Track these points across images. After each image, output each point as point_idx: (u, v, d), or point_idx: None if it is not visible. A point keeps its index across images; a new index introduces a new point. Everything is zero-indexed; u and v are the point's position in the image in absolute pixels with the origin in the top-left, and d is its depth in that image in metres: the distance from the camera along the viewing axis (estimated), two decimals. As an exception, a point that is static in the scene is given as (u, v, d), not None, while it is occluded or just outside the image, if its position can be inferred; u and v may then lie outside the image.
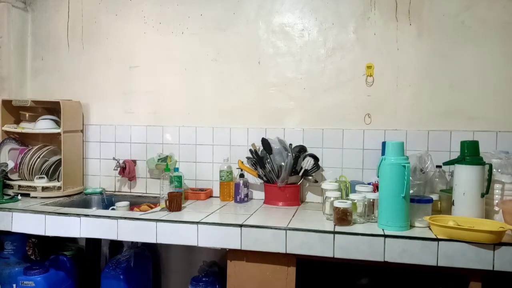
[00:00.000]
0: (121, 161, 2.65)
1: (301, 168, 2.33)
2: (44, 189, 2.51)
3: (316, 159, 2.33)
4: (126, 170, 2.64)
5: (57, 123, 2.62)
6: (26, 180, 2.59)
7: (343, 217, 1.80)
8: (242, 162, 2.45)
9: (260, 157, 2.37)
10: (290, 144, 2.41)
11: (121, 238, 1.97)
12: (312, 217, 2.02)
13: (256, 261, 1.82)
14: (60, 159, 2.57)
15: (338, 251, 1.68)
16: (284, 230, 1.75)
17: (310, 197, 2.46)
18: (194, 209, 2.21)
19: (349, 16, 2.38)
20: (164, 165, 2.38)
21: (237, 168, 2.45)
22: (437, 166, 2.12)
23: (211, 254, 2.49)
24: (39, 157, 2.59)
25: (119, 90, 2.74)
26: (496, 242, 1.53)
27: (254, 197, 2.53)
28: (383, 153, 1.96)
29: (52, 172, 2.61)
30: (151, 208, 2.29)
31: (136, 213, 2.10)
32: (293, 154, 2.31)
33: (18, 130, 2.65)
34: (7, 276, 2.38)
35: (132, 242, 2.54)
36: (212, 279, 2.28)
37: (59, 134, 2.55)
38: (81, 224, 2.02)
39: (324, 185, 2.13)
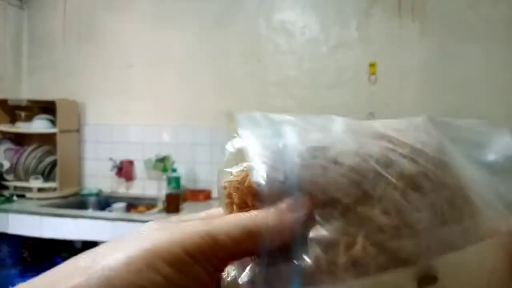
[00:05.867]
0: (118, 162, 2.61)
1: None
2: (40, 190, 2.48)
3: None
4: (123, 170, 2.61)
5: (53, 123, 2.58)
6: (22, 181, 2.56)
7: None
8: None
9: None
10: (291, 144, 2.37)
11: (117, 240, 1.94)
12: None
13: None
14: (56, 159, 2.54)
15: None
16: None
17: (311, 198, 2.43)
18: (192, 210, 2.17)
19: (351, 13, 2.35)
20: (162, 166, 2.35)
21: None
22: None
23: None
24: (35, 157, 2.56)
25: (116, 89, 2.70)
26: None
27: (254, 198, 2.50)
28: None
29: (48, 173, 2.57)
30: (149, 209, 2.26)
31: (133, 215, 2.07)
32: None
33: (14, 129, 2.62)
34: (3, 278, 2.36)
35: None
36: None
37: (55, 134, 2.51)
38: (78, 226, 1.99)
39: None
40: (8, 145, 2.68)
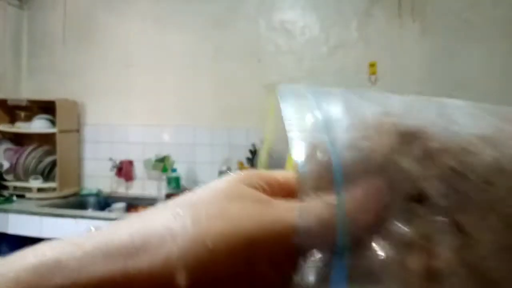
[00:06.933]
0: (117, 162, 2.61)
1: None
2: (39, 190, 2.47)
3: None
4: (123, 170, 2.60)
5: (53, 123, 2.58)
6: (22, 181, 2.55)
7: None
8: (242, 163, 2.40)
9: (260, 158, 2.32)
10: (291, 144, 2.37)
11: (117, 240, 1.93)
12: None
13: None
14: (56, 159, 2.53)
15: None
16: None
17: (311, 198, 2.42)
18: (192, 210, 2.16)
19: (352, 13, 2.34)
20: (162, 166, 2.34)
21: (236, 169, 2.40)
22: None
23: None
24: (34, 157, 2.55)
25: (116, 89, 2.69)
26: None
27: (254, 198, 2.49)
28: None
29: (48, 173, 2.56)
30: (149, 209, 2.25)
31: (133, 215, 2.06)
32: (294, 155, 2.26)
33: (14, 130, 2.61)
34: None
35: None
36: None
37: (55, 134, 2.51)
38: (77, 226, 1.98)
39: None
40: (8, 145, 2.67)
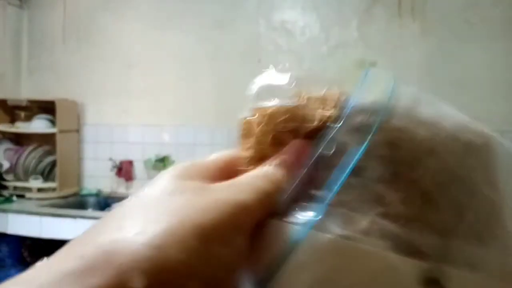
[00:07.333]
0: (117, 162, 2.61)
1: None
2: (39, 190, 2.47)
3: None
4: (123, 170, 2.60)
5: (53, 123, 2.58)
6: (22, 181, 2.55)
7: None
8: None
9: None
10: (291, 144, 2.37)
11: (117, 240, 1.93)
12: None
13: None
14: (56, 159, 2.53)
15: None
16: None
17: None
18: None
19: (352, 12, 2.34)
20: (162, 166, 2.34)
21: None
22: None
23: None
24: (34, 157, 2.55)
25: (116, 89, 2.69)
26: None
27: (254, 198, 2.49)
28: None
29: (48, 173, 2.57)
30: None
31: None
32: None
33: (13, 129, 2.61)
34: (3, 278, 2.33)
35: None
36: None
37: (55, 134, 2.51)
38: (77, 226, 1.98)
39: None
40: (8, 145, 2.67)
